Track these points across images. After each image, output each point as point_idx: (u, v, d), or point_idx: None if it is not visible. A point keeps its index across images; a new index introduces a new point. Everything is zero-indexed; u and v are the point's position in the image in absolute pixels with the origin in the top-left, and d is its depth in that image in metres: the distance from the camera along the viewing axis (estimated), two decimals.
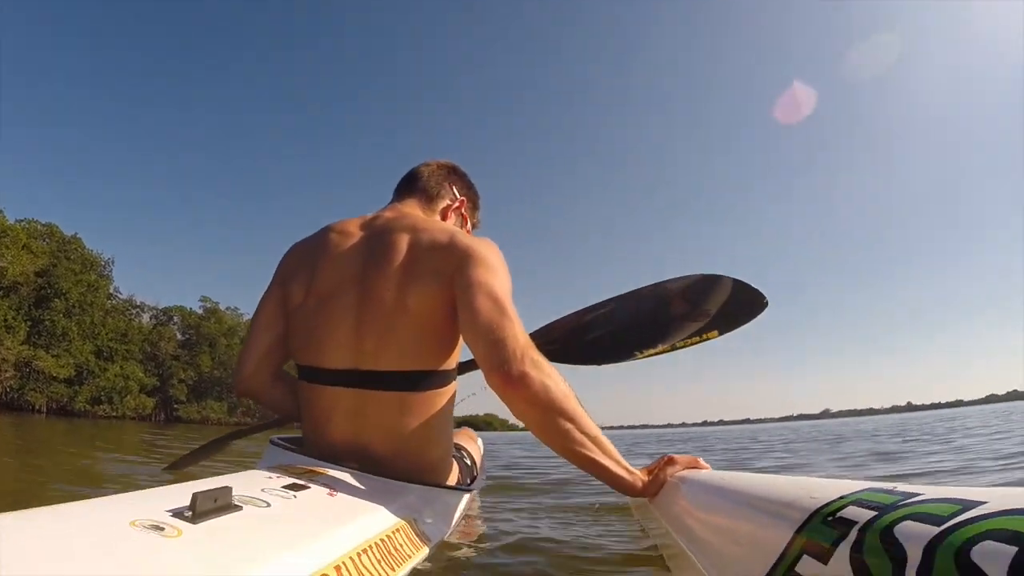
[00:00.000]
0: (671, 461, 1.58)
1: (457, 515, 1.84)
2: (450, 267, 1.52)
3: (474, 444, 2.61)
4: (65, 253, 33.40)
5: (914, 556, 0.50)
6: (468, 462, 2.25)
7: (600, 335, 1.81)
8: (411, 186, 1.86)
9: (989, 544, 0.45)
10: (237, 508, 0.95)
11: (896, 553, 0.53)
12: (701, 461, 1.57)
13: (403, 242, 1.59)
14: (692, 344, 1.81)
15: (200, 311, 43.13)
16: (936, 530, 0.50)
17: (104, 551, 0.69)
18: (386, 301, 1.54)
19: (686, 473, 1.50)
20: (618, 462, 1.47)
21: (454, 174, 1.91)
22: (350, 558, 1.08)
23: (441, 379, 1.63)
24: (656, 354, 1.84)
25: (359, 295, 1.58)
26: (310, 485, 1.29)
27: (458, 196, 1.89)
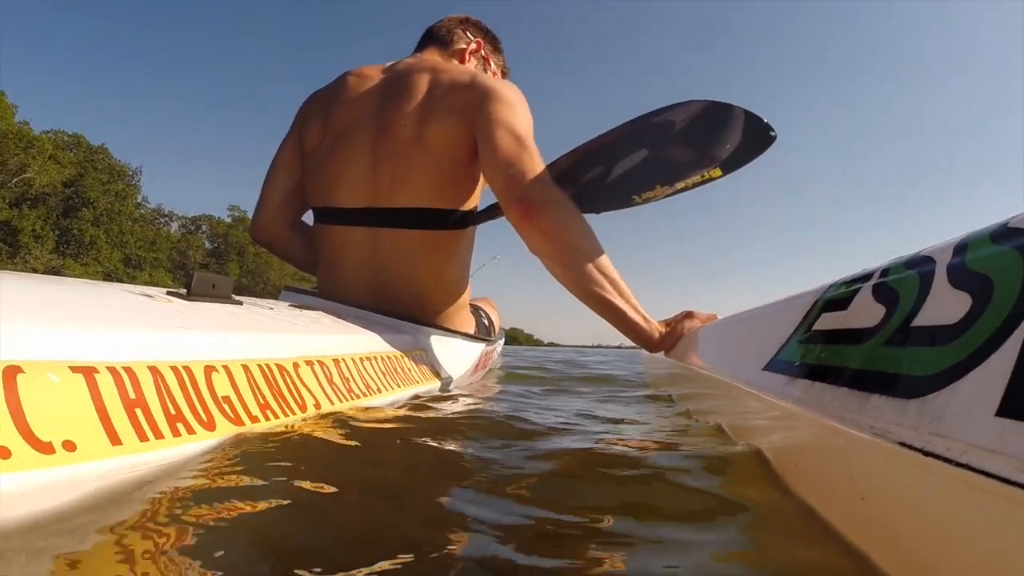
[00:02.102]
0: (690, 315, 1.54)
1: (471, 364, 1.85)
2: (471, 105, 1.48)
3: (494, 310, 2.60)
4: (92, 163, 33.41)
5: (943, 257, 0.46)
6: (486, 322, 2.25)
7: (592, 177, 1.63)
8: (428, 39, 1.84)
9: None
10: (236, 302, 0.94)
11: (923, 265, 0.49)
12: (720, 318, 1.54)
13: (423, 81, 1.55)
14: (695, 185, 1.66)
15: (229, 219, 43.33)
16: (966, 234, 0.47)
17: (82, 297, 0.67)
18: (402, 136, 1.51)
19: (705, 325, 1.47)
20: (636, 309, 1.44)
21: (466, 22, 1.87)
22: (351, 358, 1.06)
23: (458, 221, 1.60)
24: (657, 198, 1.70)
25: (375, 131, 1.54)
26: (318, 310, 1.28)
27: (473, 39, 1.84)
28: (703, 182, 1.66)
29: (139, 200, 37.16)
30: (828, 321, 0.62)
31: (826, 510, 0.50)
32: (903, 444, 0.37)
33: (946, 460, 0.33)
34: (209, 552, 0.45)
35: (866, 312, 0.54)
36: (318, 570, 0.43)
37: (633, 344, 1.52)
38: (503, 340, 3.11)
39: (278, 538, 0.50)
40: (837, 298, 0.63)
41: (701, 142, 1.59)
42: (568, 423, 1.16)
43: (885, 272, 0.56)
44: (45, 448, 0.47)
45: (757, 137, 1.57)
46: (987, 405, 0.32)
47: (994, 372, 0.33)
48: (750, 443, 0.74)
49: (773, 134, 1.55)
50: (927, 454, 0.34)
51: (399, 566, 0.44)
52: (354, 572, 0.42)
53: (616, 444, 0.93)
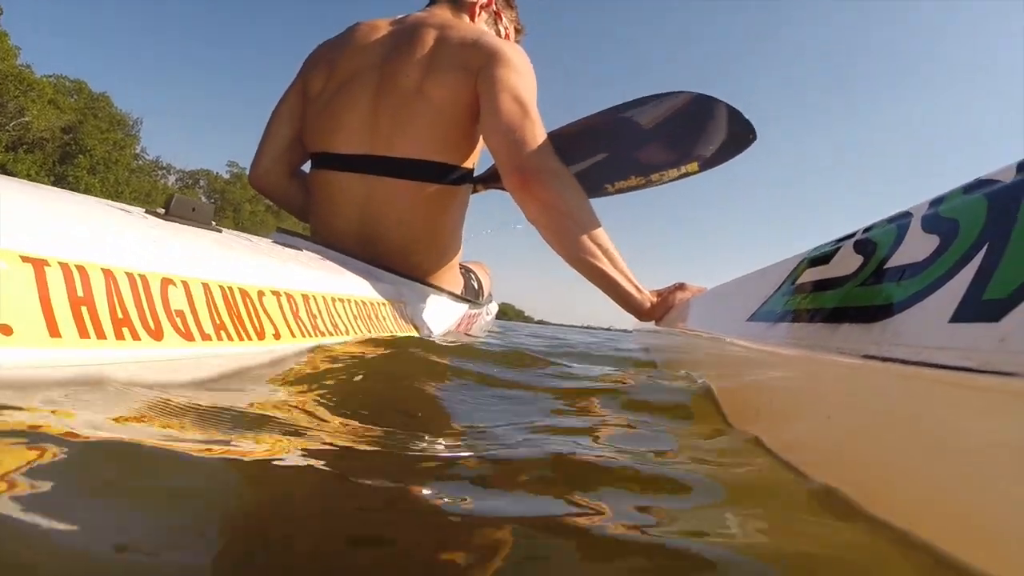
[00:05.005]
0: (682, 286, 1.58)
1: (451, 324, 1.86)
2: (475, 64, 1.49)
3: (486, 275, 2.61)
4: (93, 111, 33.09)
5: (920, 209, 0.50)
6: (475, 285, 2.27)
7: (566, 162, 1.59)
8: None
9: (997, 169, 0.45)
10: (216, 230, 0.92)
11: (902, 219, 0.53)
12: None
13: (430, 36, 1.57)
14: (670, 179, 1.66)
15: (227, 176, 42.99)
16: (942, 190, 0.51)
17: (56, 200, 0.66)
18: (405, 86, 1.53)
19: (696, 296, 1.51)
20: (629, 279, 1.47)
21: None
22: (322, 297, 1.05)
23: (454, 177, 1.62)
24: (630, 188, 1.72)
25: (378, 80, 1.56)
26: (302, 250, 1.27)
27: None
28: (680, 176, 1.67)
29: (137, 151, 36.85)
30: (810, 275, 0.66)
31: (795, 436, 0.54)
32: (866, 356, 0.41)
33: (903, 362, 0.37)
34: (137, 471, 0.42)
35: (846, 263, 0.58)
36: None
37: (624, 329, 1.56)
38: (495, 308, 3.08)
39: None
40: (821, 255, 0.67)
41: (677, 128, 1.59)
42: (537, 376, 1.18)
43: (868, 229, 0.60)
44: None
45: (739, 136, 1.57)
46: (942, 316, 0.37)
47: (951, 292, 0.38)
48: (731, 387, 0.78)
49: (753, 137, 1.57)
50: (886, 360, 0.39)
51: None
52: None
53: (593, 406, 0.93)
